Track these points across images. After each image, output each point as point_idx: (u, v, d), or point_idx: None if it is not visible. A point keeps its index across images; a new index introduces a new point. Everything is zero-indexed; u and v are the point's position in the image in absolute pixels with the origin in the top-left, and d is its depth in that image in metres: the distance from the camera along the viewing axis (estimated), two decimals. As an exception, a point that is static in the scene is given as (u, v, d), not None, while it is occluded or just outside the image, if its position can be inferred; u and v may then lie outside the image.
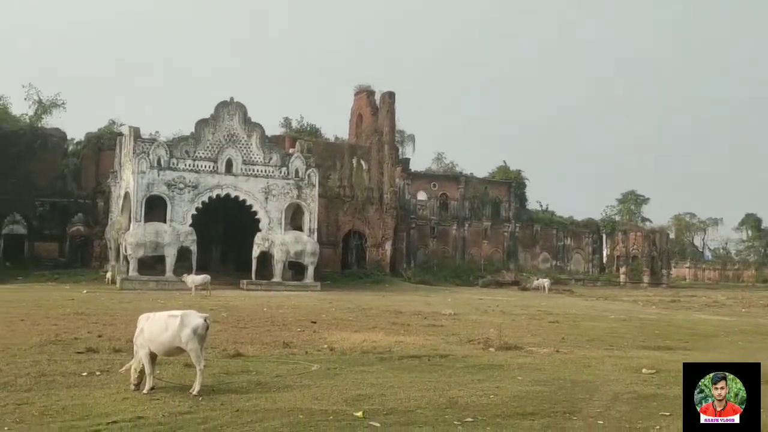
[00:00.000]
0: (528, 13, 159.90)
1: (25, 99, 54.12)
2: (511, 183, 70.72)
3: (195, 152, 42.41)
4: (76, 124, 71.51)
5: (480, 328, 19.72)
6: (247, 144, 43.53)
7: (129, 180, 42.32)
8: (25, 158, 49.99)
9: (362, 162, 55.38)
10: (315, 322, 20.55)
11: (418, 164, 68.84)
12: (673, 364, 13.43)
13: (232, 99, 43.83)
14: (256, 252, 43.12)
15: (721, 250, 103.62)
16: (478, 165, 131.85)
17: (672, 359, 14.15)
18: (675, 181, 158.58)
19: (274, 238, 43.29)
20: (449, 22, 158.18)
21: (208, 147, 42.76)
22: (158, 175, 41.39)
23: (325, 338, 16.35)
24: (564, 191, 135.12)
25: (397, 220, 57.45)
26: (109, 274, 42.50)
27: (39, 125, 53.22)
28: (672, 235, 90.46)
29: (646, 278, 69.11)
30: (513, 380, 10.93)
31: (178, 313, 9.56)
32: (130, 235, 40.67)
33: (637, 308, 34.65)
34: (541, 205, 74.15)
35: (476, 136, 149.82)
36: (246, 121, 43.80)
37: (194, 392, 9.16)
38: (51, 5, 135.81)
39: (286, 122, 62.89)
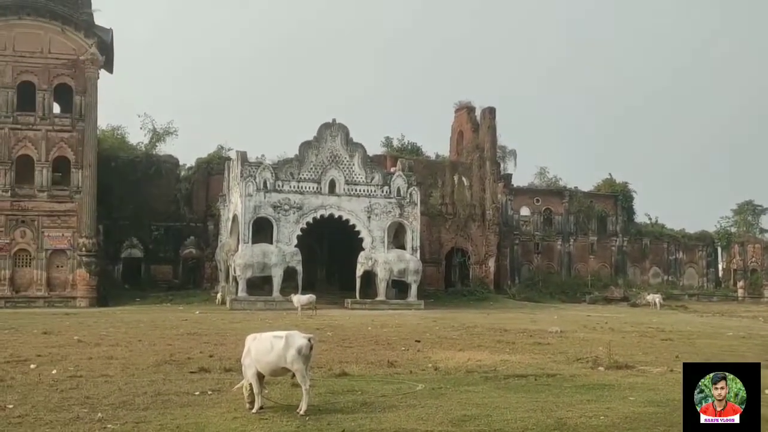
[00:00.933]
0: (623, 18, 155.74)
1: (141, 128, 56.91)
2: (618, 196, 68.72)
3: (299, 174, 43.37)
4: (187, 151, 74.92)
5: (588, 346, 19.20)
6: (349, 164, 44.19)
7: (237, 203, 43.69)
8: (142, 185, 52.39)
9: (464, 179, 55.20)
10: (419, 341, 20.55)
11: (520, 179, 68.00)
12: (799, 384, 12.67)
13: (334, 120, 44.65)
14: (359, 271, 43.57)
15: None
16: (583, 178, 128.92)
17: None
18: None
19: (377, 257, 43.64)
20: (547, 35, 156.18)
21: (311, 168, 43.65)
22: (264, 198, 42.54)
23: (430, 357, 16.32)
24: (675, 203, 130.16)
25: (500, 236, 56.88)
26: (219, 295, 43.89)
27: (153, 152, 55.67)
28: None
29: (766, 293, 65.58)
30: (624, 401, 10.58)
31: (283, 333, 9.77)
32: (239, 256, 41.91)
33: (758, 324, 32.90)
34: (650, 218, 71.70)
35: (580, 149, 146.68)
36: (348, 141, 44.50)
37: (301, 412, 9.32)
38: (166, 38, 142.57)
39: (387, 142, 63.45)
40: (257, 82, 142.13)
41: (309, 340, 9.65)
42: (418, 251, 45.24)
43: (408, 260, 44.22)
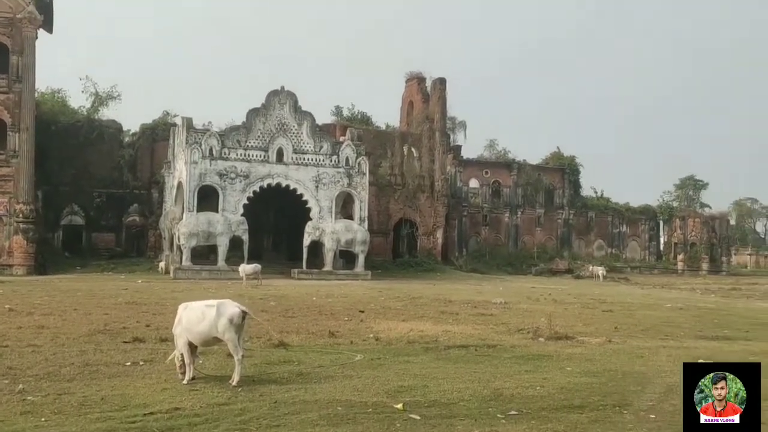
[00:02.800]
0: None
1: (83, 91, 55.01)
2: (565, 169, 69.50)
3: (246, 142, 42.65)
4: (131, 116, 72.94)
5: (531, 318, 19.31)
6: (297, 133, 43.61)
7: (182, 170, 42.80)
8: (83, 150, 50.84)
9: (413, 150, 55.08)
10: (363, 312, 20.42)
11: (470, 152, 68.15)
12: (732, 354, 12.90)
13: (282, 88, 43.92)
14: (306, 241, 43.22)
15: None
16: (531, 151, 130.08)
17: (731, 350, 13.61)
18: (736, 165, 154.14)
19: (325, 227, 43.34)
20: (498, 7, 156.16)
21: (259, 136, 42.95)
22: (210, 165, 41.76)
23: (372, 327, 16.19)
24: (619, 177, 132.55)
25: (448, 208, 57.01)
26: (162, 264, 43.08)
27: (96, 117, 54.06)
28: (732, 222, 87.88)
29: (705, 266, 67.37)
30: (561, 371, 10.58)
31: (215, 302, 9.47)
32: (183, 225, 41.16)
33: (695, 297, 33.69)
34: (596, 192, 72.70)
35: (529, 122, 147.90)
36: (297, 109, 43.86)
37: (233, 383, 9.06)
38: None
39: (337, 111, 62.88)
40: (206, 48, 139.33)
41: (242, 309, 9.37)
42: (366, 222, 45.03)
43: (356, 230, 44.02)
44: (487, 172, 67.71)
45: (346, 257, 45.43)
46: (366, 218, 44.98)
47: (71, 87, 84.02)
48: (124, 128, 54.95)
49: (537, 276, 53.96)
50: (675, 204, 79.19)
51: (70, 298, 23.52)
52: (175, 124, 48.19)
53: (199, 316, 9.26)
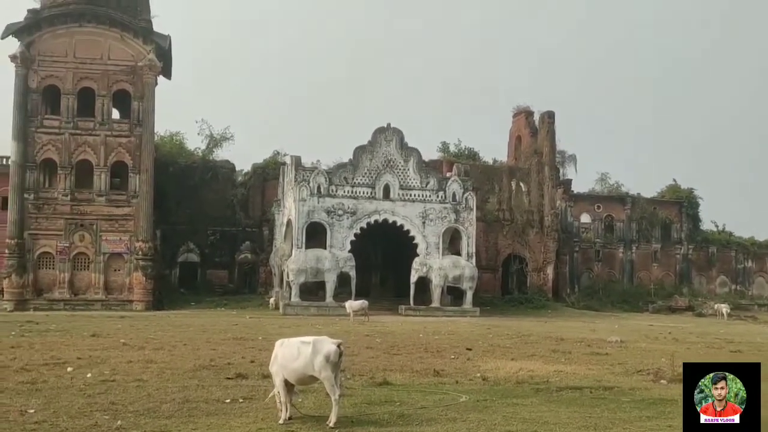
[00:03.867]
0: (684, 18, 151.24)
1: (198, 134, 57.36)
2: (683, 202, 66.36)
3: (353, 179, 42.95)
4: (244, 156, 75.40)
5: (650, 358, 18.10)
6: (404, 169, 43.58)
7: (291, 207, 43.51)
8: (199, 190, 52.79)
9: (521, 184, 54.04)
10: (470, 349, 19.75)
11: (580, 186, 66.20)
12: None
13: (389, 125, 44.10)
14: (414, 277, 42.85)
15: None
16: (646, 184, 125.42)
17: None
18: None
19: (432, 263, 42.87)
20: (603, 39, 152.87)
21: (365, 173, 43.18)
22: (318, 202, 42.23)
23: (479, 366, 15.53)
24: (743, 209, 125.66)
25: (558, 243, 55.42)
26: (272, 300, 43.78)
27: (210, 158, 56.05)
28: None
29: (842, 302, 62.45)
30: (688, 418, 9.63)
31: (310, 339, 9.14)
32: (292, 261, 41.67)
33: (835, 336, 31.02)
34: (716, 226, 68.94)
35: (643, 154, 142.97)
36: (403, 146, 43.89)
37: (330, 424, 8.67)
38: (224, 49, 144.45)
39: (444, 147, 62.64)
40: (315, 88, 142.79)
41: (338, 346, 9.00)
42: (474, 257, 44.25)
43: (463, 266, 43.31)
44: (599, 207, 65.52)
45: (454, 293, 44.74)
46: (473, 254, 44.21)
47: (188, 130, 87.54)
48: (237, 168, 56.64)
49: (654, 314, 51.44)
50: (806, 237, 74.15)
51: (181, 333, 23.98)
52: (284, 163, 49.17)
53: (294, 353, 8.96)
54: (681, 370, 14.06)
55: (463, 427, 8.66)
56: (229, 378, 12.88)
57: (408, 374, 13.90)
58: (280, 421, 8.90)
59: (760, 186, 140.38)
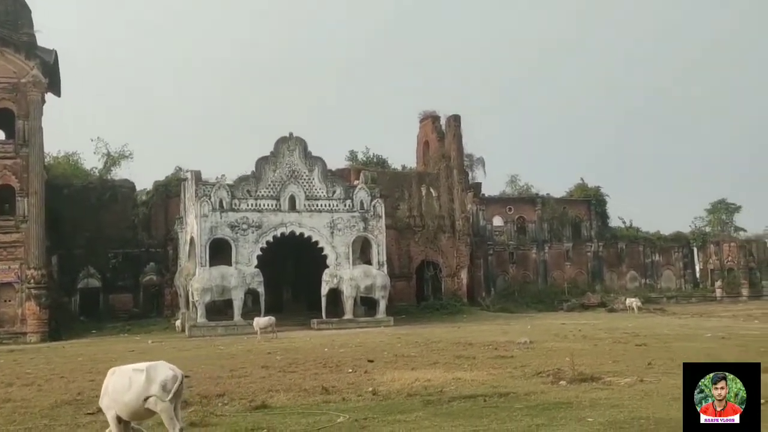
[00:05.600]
0: (589, 19, 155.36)
1: (94, 153, 54.81)
2: (591, 201, 67.44)
3: (257, 191, 41.54)
4: (144, 175, 72.50)
5: (555, 358, 17.53)
6: (309, 179, 42.45)
7: (193, 224, 41.76)
8: (97, 211, 50.23)
9: (431, 190, 53.60)
10: (372, 361, 18.78)
11: (491, 189, 66.47)
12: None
13: (291, 134, 42.94)
14: (324, 289, 41.70)
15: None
16: (555, 185, 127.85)
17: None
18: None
19: (343, 274, 41.82)
20: (508, 41, 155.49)
21: (269, 185, 41.85)
22: (221, 218, 40.62)
23: (375, 379, 14.54)
24: (648, 205, 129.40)
25: (472, 247, 55.22)
26: (178, 322, 41.86)
27: (108, 177, 53.58)
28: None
29: (745, 291, 64.45)
30: (581, 424, 8.84)
31: (144, 366, 7.87)
32: (196, 280, 39.92)
33: (738, 324, 31.46)
34: (624, 222, 70.35)
35: (550, 155, 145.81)
36: (306, 155, 42.77)
37: (171, 464, 7.48)
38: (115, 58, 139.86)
39: (352, 155, 61.73)
40: (215, 101, 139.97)
41: (176, 373, 7.79)
42: (385, 266, 43.41)
43: (375, 276, 42.40)
44: (510, 209, 65.94)
45: (368, 304, 43.78)
46: (385, 262, 43.36)
47: (85, 149, 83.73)
48: (138, 187, 54.28)
49: (568, 312, 51.71)
50: (708, 229, 76.53)
51: (66, 365, 22.18)
52: (185, 179, 47.32)
53: (126, 383, 7.70)
54: (582, 369, 13.44)
55: (329, 454, 7.63)
56: (89, 413, 11.47)
57: (294, 394, 12.78)
58: (114, 465, 7.64)
59: (665, 181, 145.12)
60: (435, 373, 14.95)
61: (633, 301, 48.71)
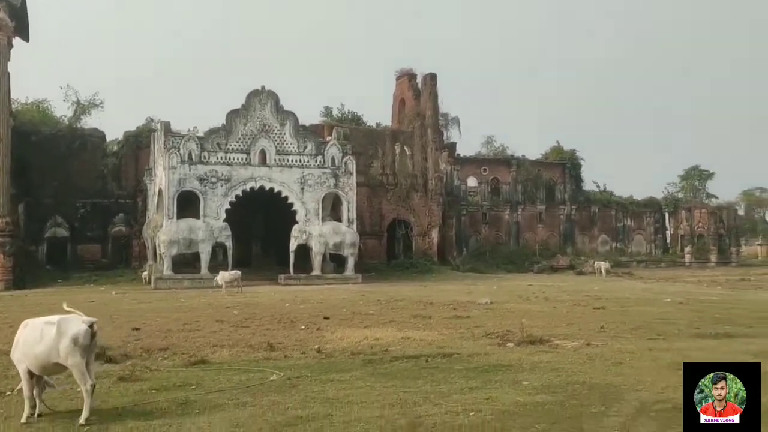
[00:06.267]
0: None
1: (64, 101, 53.61)
2: (566, 164, 67.47)
3: (227, 144, 40.93)
4: (116, 125, 71.03)
5: (511, 319, 17.43)
6: (280, 133, 41.86)
7: (161, 176, 41.18)
8: (65, 160, 49.26)
9: (405, 148, 53.14)
10: (328, 318, 18.58)
11: (467, 149, 66.30)
12: (730, 357, 10.98)
13: (263, 87, 42.20)
14: (293, 245, 41.43)
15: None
16: (530, 147, 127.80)
17: (728, 350, 11.69)
18: (743, 153, 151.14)
19: (312, 230, 41.54)
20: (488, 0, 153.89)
21: (240, 139, 41.24)
22: (189, 170, 40.04)
23: (324, 337, 14.36)
24: (622, 170, 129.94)
25: (444, 206, 55.08)
26: (145, 274, 41.44)
27: (78, 126, 52.52)
28: (741, 212, 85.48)
29: (713, 257, 65.16)
30: (515, 387, 8.69)
31: (56, 318, 7.57)
32: (163, 232, 39.48)
33: (700, 290, 31.68)
34: (598, 186, 70.50)
35: (527, 116, 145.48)
36: (278, 109, 42.12)
37: (81, 421, 7.19)
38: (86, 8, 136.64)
39: (327, 111, 61.02)
40: (191, 53, 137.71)
41: (90, 326, 7.51)
42: (355, 223, 43.17)
43: (344, 233, 42.17)
44: (485, 170, 65.83)
45: (338, 261, 43.62)
46: (355, 220, 43.11)
47: (54, 96, 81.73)
48: (109, 137, 53.28)
49: (538, 274, 51.94)
50: (680, 195, 77.00)
51: (22, 314, 21.67)
52: (156, 130, 46.50)
53: (37, 336, 7.41)
54: (533, 332, 13.36)
55: (248, 413, 7.38)
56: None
57: (238, 350, 12.55)
58: (22, 420, 7.37)
59: (639, 146, 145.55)
60: (386, 332, 14.80)
61: (601, 265, 49.00)
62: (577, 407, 7.46)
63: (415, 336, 14.12)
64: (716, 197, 78.08)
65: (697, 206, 69.82)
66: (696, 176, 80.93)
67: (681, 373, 9.76)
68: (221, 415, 7.31)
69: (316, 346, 12.77)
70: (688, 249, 66.08)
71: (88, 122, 53.66)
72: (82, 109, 53.69)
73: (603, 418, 7.00)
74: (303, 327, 16.44)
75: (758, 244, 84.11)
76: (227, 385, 9.09)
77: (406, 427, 6.63)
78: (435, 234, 52.78)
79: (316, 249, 41.45)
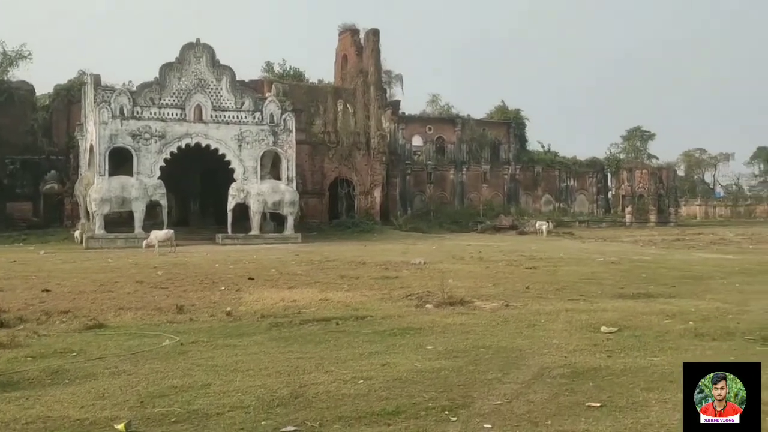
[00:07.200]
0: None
1: (-12, 52, 51.08)
2: (511, 123, 67.44)
3: (161, 99, 39.65)
4: (47, 78, 67.61)
5: (440, 280, 17.06)
6: (216, 89, 40.67)
7: (92, 132, 39.74)
8: (-8, 114, 47.37)
9: (348, 106, 52.30)
10: (252, 279, 18.05)
11: (412, 108, 65.65)
12: (644, 318, 10.83)
13: (198, 40, 40.84)
14: (231, 204, 40.59)
15: (734, 186, 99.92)
16: (475, 106, 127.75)
17: (645, 311, 11.51)
18: (683, 115, 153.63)
19: (250, 189, 40.72)
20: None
21: (174, 93, 39.96)
22: (122, 125, 38.71)
23: (240, 299, 13.83)
24: (566, 130, 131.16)
25: (387, 165, 54.59)
26: (77, 233, 40.21)
27: (5, 79, 50.26)
28: (681, 172, 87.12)
29: (653, 217, 66.27)
30: (417, 351, 8.30)
31: None
32: (94, 190, 38.23)
33: (635, 249, 31.94)
34: (542, 146, 70.89)
35: (471, 75, 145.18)
36: (215, 64, 40.87)
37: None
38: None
39: (268, 67, 59.60)
40: (130, 3, 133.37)
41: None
42: (294, 182, 42.45)
43: (283, 191, 41.44)
44: (430, 129, 65.42)
45: (278, 220, 42.92)
46: (294, 178, 42.39)
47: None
48: (39, 90, 51.28)
49: (480, 233, 51.98)
50: (622, 156, 77.91)
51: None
52: (86, 83, 44.77)
53: None
54: (456, 293, 13.02)
55: (121, 383, 6.80)
56: None
57: (143, 313, 11.94)
58: None
59: (583, 106, 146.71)
60: (306, 294, 14.32)
61: (542, 225, 49.26)
62: (473, 373, 7.08)
63: (335, 297, 13.68)
64: (657, 158, 79.31)
65: (638, 167, 70.74)
66: (638, 137, 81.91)
67: (595, 333, 9.61)
68: (91, 385, 6.74)
69: (228, 309, 12.23)
70: (628, 209, 67.03)
71: (17, 75, 51.42)
72: (9, 60, 51.26)
73: (497, 384, 6.63)
74: (222, 288, 15.88)
75: (697, 205, 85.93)
76: (115, 351, 8.51)
77: (286, 397, 6.16)
78: (378, 193, 52.36)
79: (255, 208, 40.71)
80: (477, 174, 65.82)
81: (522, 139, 68.43)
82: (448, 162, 64.91)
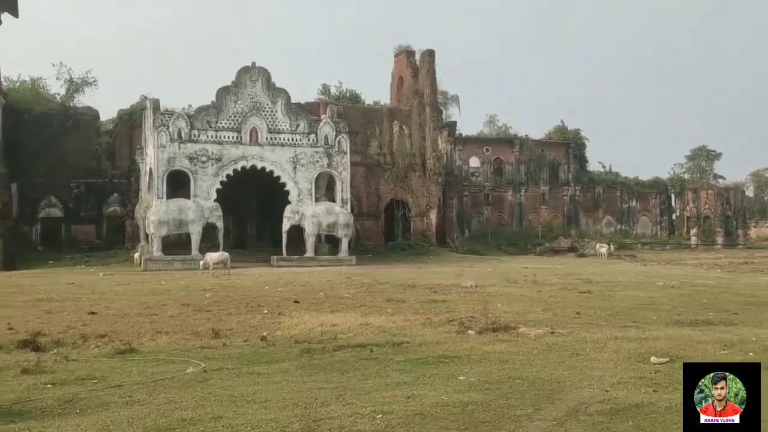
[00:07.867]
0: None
1: (57, 78, 52.76)
2: (570, 143, 66.19)
3: (217, 122, 40.10)
4: (110, 103, 69.51)
5: (489, 304, 16.53)
6: (271, 111, 40.96)
7: (151, 155, 40.45)
8: (59, 139, 48.64)
9: (404, 127, 52.10)
10: (298, 302, 17.82)
11: (469, 129, 65.10)
12: (699, 348, 10.12)
13: (254, 64, 41.25)
14: (285, 226, 40.65)
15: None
16: (534, 126, 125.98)
17: (702, 340, 10.78)
18: (752, 134, 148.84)
19: (305, 211, 40.73)
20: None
21: (230, 116, 40.39)
22: (179, 149, 39.26)
23: (279, 323, 13.58)
24: (628, 150, 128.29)
25: (443, 187, 54.12)
26: (137, 255, 40.82)
27: (71, 104, 51.76)
28: (750, 193, 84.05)
29: (720, 240, 63.89)
30: (447, 382, 7.84)
31: None
32: (152, 213, 38.80)
33: (698, 273, 30.68)
34: (603, 166, 69.25)
35: (530, 96, 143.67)
36: (270, 86, 41.20)
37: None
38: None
39: (325, 89, 59.97)
40: (190, 31, 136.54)
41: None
42: (349, 203, 42.31)
43: (338, 213, 41.33)
44: (487, 150, 64.67)
45: (334, 242, 42.82)
46: (348, 200, 42.26)
47: (48, 74, 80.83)
48: (103, 116, 52.62)
49: (539, 256, 50.99)
50: (687, 176, 75.60)
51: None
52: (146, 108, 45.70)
53: None
54: (503, 318, 12.50)
55: (129, 415, 6.52)
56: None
57: (179, 337, 11.78)
58: None
59: (645, 126, 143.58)
60: (347, 318, 13.99)
61: (602, 247, 48.02)
62: (503, 408, 6.59)
63: (376, 322, 13.30)
64: (723, 178, 76.71)
65: (704, 187, 68.46)
66: (703, 157, 79.48)
67: (644, 364, 8.98)
68: (99, 417, 6.49)
69: (265, 334, 11.97)
70: (694, 231, 64.86)
71: (82, 101, 52.91)
72: (75, 87, 52.82)
73: (526, 422, 6.13)
74: (265, 311, 15.68)
75: (767, 227, 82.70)
76: (137, 378, 8.30)
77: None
78: (433, 215, 51.86)
79: (309, 230, 40.68)
80: (535, 195, 64.75)
81: (582, 160, 67.05)
82: (506, 183, 64.03)
